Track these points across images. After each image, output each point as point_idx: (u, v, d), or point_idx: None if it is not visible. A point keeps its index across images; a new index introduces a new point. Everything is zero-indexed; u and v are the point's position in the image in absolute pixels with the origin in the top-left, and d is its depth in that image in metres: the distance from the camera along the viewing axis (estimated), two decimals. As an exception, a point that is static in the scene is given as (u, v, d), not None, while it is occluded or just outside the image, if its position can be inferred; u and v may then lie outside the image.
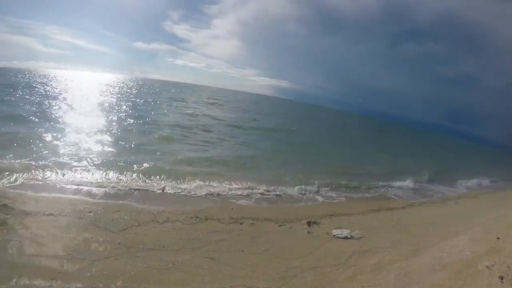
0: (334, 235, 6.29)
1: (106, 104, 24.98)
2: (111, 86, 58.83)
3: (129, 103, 28.27)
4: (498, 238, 6.99)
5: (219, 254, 4.81)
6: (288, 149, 16.71)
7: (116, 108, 23.51)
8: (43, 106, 18.69)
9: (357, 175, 12.57)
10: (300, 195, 9.20)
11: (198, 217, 6.20)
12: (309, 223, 6.81)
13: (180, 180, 8.53)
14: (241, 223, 6.26)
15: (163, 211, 6.28)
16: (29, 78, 48.76)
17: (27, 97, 22.12)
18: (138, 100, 32.44)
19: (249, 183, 9.18)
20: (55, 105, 19.98)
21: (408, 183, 12.72)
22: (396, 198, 10.60)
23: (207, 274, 4.20)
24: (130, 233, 5.09)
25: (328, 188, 10.14)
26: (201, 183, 8.54)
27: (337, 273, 4.79)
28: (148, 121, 18.86)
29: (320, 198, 9.18)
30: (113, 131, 14.19)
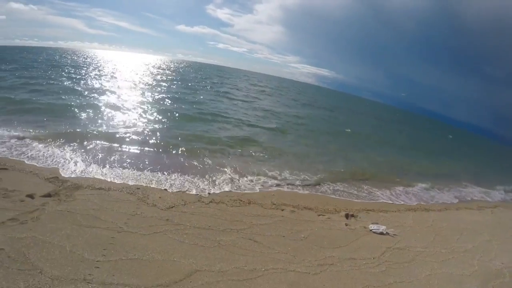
0: (371, 230, 6.27)
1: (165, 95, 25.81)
2: (159, 67, 60.97)
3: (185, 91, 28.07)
4: None
5: (261, 238, 5.00)
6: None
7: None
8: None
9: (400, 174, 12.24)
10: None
11: (241, 200, 6.43)
12: (347, 216, 6.81)
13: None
14: (282, 210, 6.40)
15: (209, 193, 6.59)
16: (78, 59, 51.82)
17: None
18: (191, 84, 33.03)
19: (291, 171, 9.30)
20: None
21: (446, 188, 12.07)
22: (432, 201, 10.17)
23: (250, 255, 4.40)
24: (177, 211, 5.40)
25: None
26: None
27: (372, 266, 4.84)
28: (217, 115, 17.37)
29: (359, 193, 9.05)
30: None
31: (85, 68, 31.73)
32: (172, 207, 5.51)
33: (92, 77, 25.42)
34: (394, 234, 6.29)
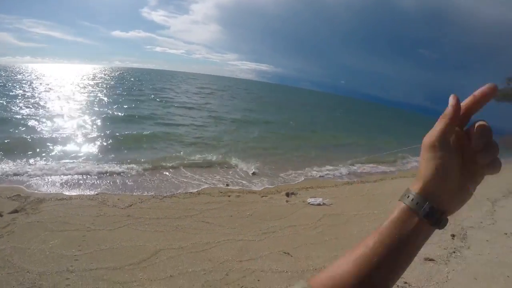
0: (309, 203, 7.36)
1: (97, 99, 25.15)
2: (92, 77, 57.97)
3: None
4: None
5: (212, 219, 5.85)
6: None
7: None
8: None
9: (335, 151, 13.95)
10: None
11: (191, 193, 7.23)
12: (287, 194, 7.89)
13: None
14: (228, 196, 7.31)
15: (161, 190, 7.30)
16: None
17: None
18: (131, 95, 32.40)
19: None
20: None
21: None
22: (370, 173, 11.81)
23: (204, 233, 5.23)
24: (136, 208, 6.02)
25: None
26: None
27: (309, 229, 5.89)
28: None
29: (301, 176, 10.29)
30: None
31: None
32: (131, 205, 6.11)
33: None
34: (330, 204, 7.35)
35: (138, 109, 21.64)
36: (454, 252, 5.33)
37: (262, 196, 7.58)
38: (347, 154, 13.71)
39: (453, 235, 6.08)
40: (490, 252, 5.45)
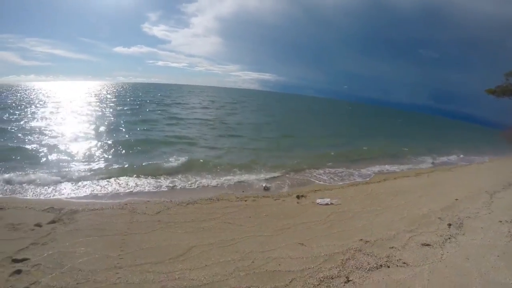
0: (318, 203, 8.10)
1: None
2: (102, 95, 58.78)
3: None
4: (457, 199, 8.68)
5: (233, 220, 6.62)
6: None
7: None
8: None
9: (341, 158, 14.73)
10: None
11: (211, 199, 7.99)
12: (298, 197, 8.64)
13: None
14: (245, 201, 8.08)
15: (184, 198, 8.09)
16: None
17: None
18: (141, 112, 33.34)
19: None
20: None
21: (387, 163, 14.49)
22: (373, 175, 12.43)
23: (229, 232, 5.99)
24: (164, 214, 6.76)
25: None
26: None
27: (319, 224, 6.63)
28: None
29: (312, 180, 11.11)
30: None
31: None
32: (159, 212, 6.86)
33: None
34: (337, 204, 8.06)
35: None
36: (450, 238, 5.98)
37: (276, 199, 8.33)
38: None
39: (449, 224, 6.71)
40: (483, 237, 6.07)
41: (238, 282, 4.27)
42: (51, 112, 25.89)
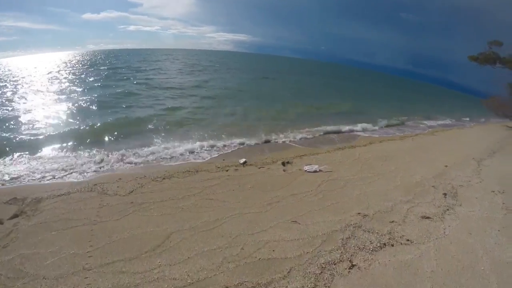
0: (306, 170, 7.55)
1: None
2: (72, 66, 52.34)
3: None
4: (446, 166, 8.49)
5: (216, 195, 5.94)
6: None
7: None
8: None
9: (324, 118, 14.17)
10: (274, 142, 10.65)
11: (189, 171, 7.23)
12: (283, 163, 8.05)
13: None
14: (226, 170, 7.39)
15: (158, 171, 7.26)
16: None
17: None
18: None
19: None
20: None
21: (371, 125, 14.46)
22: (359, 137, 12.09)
23: (211, 211, 5.32)
24: (137, 194, 5.97)
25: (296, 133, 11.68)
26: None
27: (311, 196, 6.09)
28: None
29: (290, 143, 10.57)
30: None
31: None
32: (132, 192, 6.06)
33: None
34: (327, 171, 7.57)
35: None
36: (448, 210, 5.70)
37: (260, 168, 7.70)
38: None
39: (444, 194, 6.47)
40: (480, 209, 5.84)
41: (228, 277, 3.67)
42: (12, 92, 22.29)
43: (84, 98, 16.99)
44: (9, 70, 36.98)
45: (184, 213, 5.22)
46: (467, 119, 21.38)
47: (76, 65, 44.01)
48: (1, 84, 22.47)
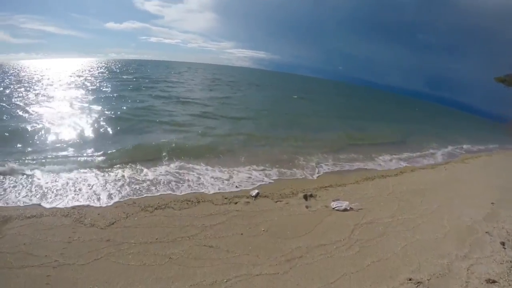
0: (334, 208, 6.07)
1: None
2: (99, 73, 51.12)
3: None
4: (493, 203, 7.31)
5: (217, 241, 4.50)
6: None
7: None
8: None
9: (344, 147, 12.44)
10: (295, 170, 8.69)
11: (189, 201, 5.82)
12: (305, 197, 6.54)
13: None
14: (235, 203, 5.93)
15: (151, 198, 5.86)
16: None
17: None
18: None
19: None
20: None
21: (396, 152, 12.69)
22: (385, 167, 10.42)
23: (208, 265, 3.89)
24: (119, 227, 4.67)
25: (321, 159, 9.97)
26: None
27: (343, 249, 4.61)
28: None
29: (312, 171, 8.85)
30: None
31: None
32: (113, 224, 4.77)
33: None
34: (358, 209, 6.17)
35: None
36: (512, 268, 4.35)
37: (277, 201, 6.21)
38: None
39: (502, 243, 5.23)
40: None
41: None
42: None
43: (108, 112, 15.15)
44: (41, 75, 35.99)
45: (171, 267, 3.82)
46: (496, 145, 19.07)
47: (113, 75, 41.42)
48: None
